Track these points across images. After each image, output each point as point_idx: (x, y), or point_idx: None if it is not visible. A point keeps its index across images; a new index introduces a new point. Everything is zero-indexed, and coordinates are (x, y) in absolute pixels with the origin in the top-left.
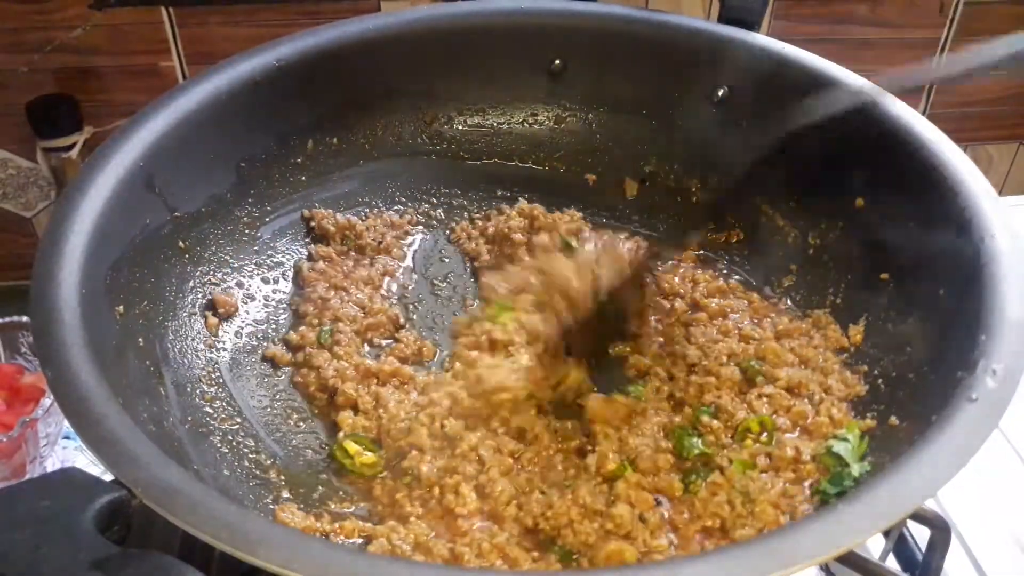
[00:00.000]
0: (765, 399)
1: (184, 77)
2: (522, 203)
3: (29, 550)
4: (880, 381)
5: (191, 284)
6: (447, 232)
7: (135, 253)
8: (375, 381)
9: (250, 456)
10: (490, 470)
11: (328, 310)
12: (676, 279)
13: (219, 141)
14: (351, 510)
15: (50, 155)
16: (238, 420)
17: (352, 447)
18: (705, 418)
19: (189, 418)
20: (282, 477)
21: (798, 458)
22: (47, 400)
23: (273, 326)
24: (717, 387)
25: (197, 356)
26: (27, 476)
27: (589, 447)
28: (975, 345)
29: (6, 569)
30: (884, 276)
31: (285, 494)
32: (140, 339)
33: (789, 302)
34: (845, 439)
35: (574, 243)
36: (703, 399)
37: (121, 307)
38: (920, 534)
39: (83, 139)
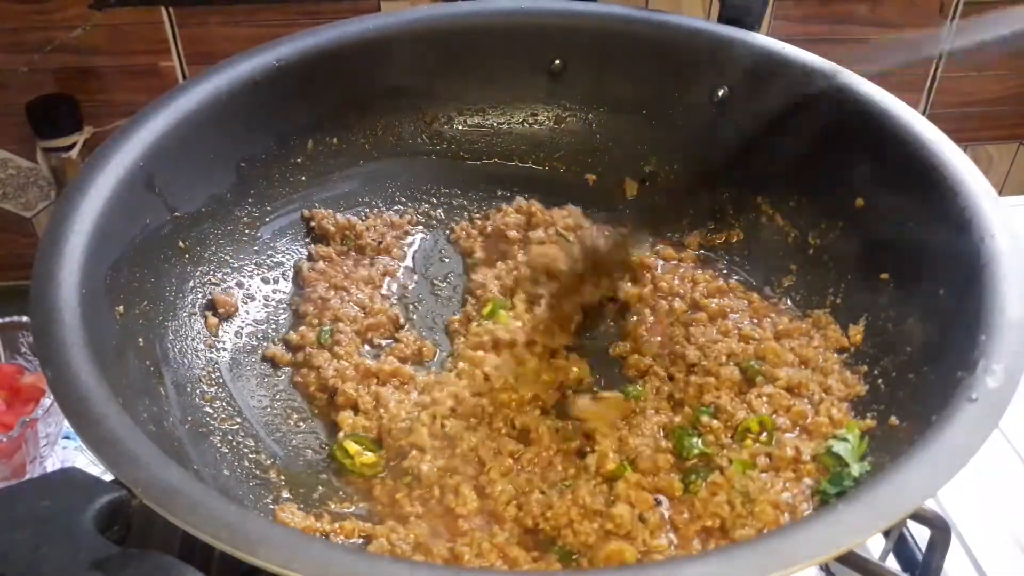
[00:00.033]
0: (765, 399)
1: (184, 77)
2: (519, 200)
3: (29, 550)
4: (880, 381)
5: (191, 284)
6: (447, 232)
7: (135, 253)
8: (375, 381)
9: (250, 456)
10: (490, 470)
11: (328, 310)
12: (676, 279)
13: (219, 141)
14: (351, 510)
15: (50, 155)
16: (238, 420)
17: (352, 447)
18: (705, 418)
19: (189, 418)
20: (282, 477)
21: (798, 458)
22: (47, 400)
23: (273, 326)
24: (717, 387)
25: (197, 356)
26: (27, 476)
27: (589, 447)
28: (975, 345)
29: (6, 569)
30: (884, 276)
31: (285, 494)
32: (140, 339)
33: (789, 302)
34: (845, 439)
35: (571, 238)
36: (703, 399)
37: (121, 307)
38: (920, 534)
39: (83, 139)
